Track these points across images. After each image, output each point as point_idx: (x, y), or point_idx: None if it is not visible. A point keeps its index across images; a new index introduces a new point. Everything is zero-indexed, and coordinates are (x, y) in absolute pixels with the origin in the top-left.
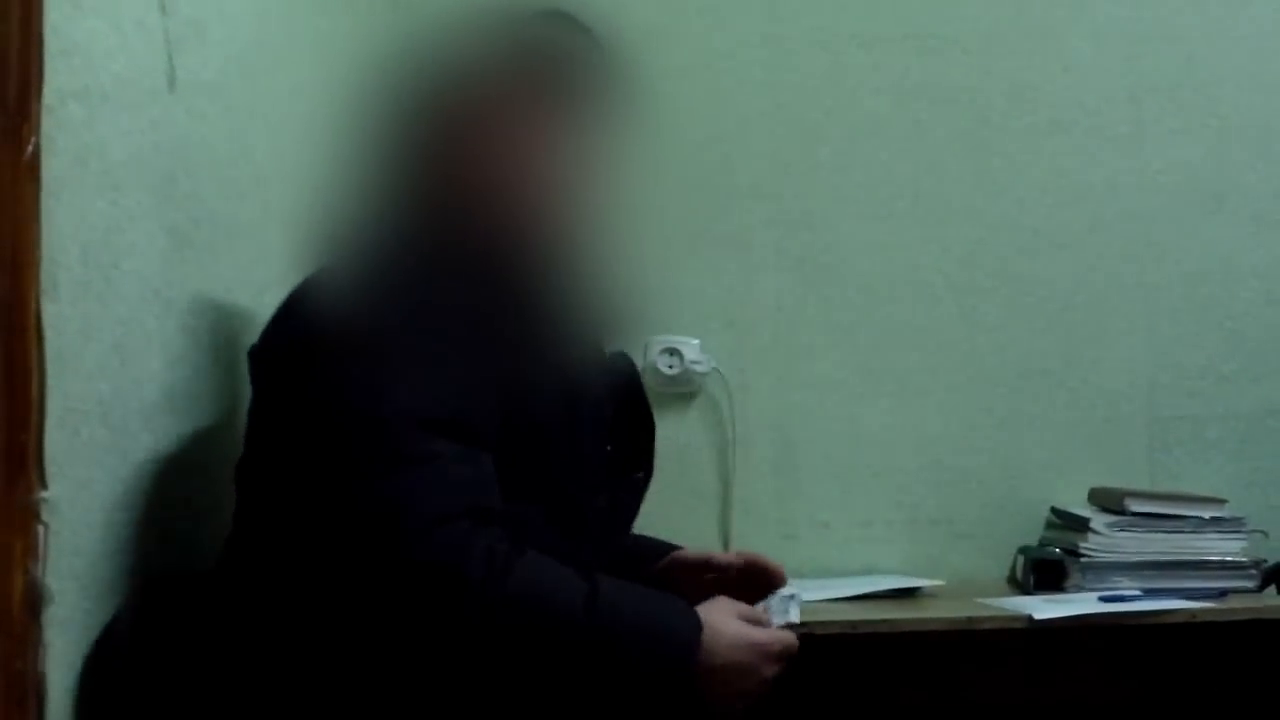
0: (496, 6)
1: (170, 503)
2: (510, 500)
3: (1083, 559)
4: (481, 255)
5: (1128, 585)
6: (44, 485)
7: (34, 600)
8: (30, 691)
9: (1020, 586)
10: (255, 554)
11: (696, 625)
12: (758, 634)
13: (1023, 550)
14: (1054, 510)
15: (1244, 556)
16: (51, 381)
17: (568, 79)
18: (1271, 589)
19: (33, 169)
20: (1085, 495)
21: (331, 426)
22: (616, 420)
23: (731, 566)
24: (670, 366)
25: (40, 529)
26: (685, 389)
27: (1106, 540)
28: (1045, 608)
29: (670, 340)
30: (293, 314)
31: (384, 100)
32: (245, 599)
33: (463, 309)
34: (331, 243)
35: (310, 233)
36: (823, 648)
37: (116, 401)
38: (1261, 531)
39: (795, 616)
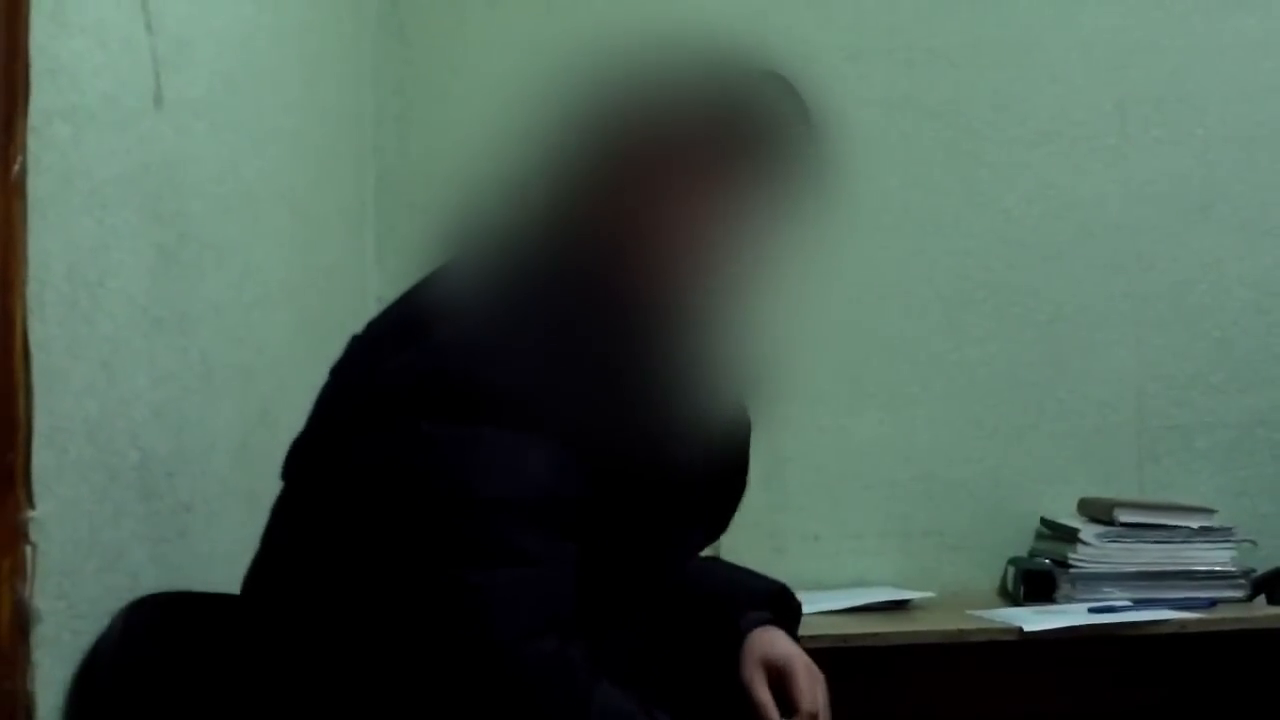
0: (714, 54)
1: (158, 521)
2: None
3: (1072, 570)
4: (614, 308)
5: (1117, 596)
6: (31, 505)
7: (22, 620)
8: (19, 712)
9: (1011, 598)
10: (284, 578)
11: None
12: None
13: (1013, 561)
14: (1044, 521)
15: (1233, 566)
16: (39, 400)
17: (768, 144)
18: (1261, 598)
19: (19, 188)
20: (1074, 506)
21: (420, 495)
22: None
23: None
24: None
25: (28, 548)
26: None
27: (1096, 551)
28: (1035, 619)
29: None
30: (418, 336)
31: (571, 114)
32: (263, 620)
33: (577, 370)
34: (466, 241)
35: (449, 225)
36: (813, 661)
37: (104, 420)
38: (1250, 541)
39: None
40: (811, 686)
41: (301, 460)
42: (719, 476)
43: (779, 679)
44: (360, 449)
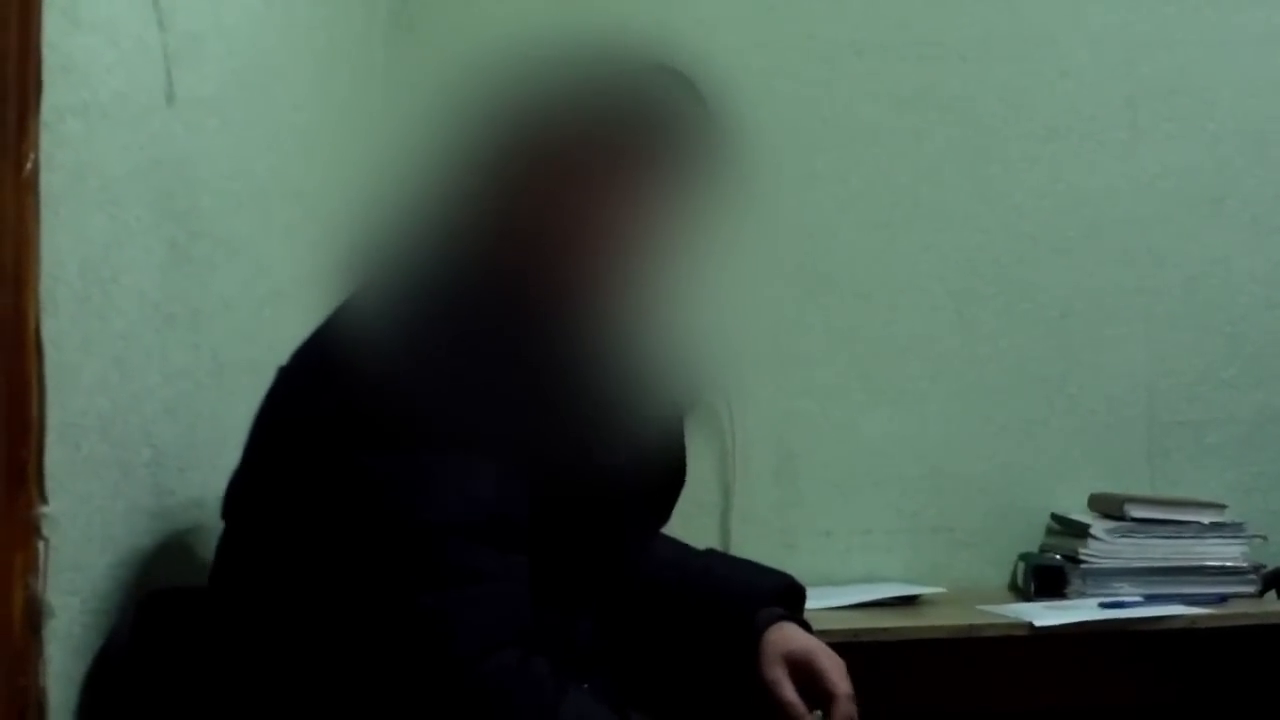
0: (606, 52)
1: (170, 517)
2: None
3: (1083, 565)
4: (530, 315)
5: (1128, 591)
6: (44, 500)
7: (34, 615)
8: (31, 707)
9: (1021, 593)
10: (254, 583)
11: None
12: None
13: (1023, 557)
14: (1054, 516)
15: (1244, 561)
16: (51, 396)
17: (668, 139)
18: (1272, 594)
19: (32, 185)
20: (1085, 501)
21: (368, 527)
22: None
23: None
24: None
25: (40, 544)
26: None
27: (1107, 546)
28: (1046, 615)
29: None
30: (321, 371)
31: (467, 125)
32: (246, 617)
33: (502, 383)
34: (372, 265)
35: (351, 248)
36: None
37: (117, 416)
38: (1261, 536)
39: None
40: (838, 672)
41: (240, 500)
42: (656, 470)
43: (803, 672)
44: (301, 487)
